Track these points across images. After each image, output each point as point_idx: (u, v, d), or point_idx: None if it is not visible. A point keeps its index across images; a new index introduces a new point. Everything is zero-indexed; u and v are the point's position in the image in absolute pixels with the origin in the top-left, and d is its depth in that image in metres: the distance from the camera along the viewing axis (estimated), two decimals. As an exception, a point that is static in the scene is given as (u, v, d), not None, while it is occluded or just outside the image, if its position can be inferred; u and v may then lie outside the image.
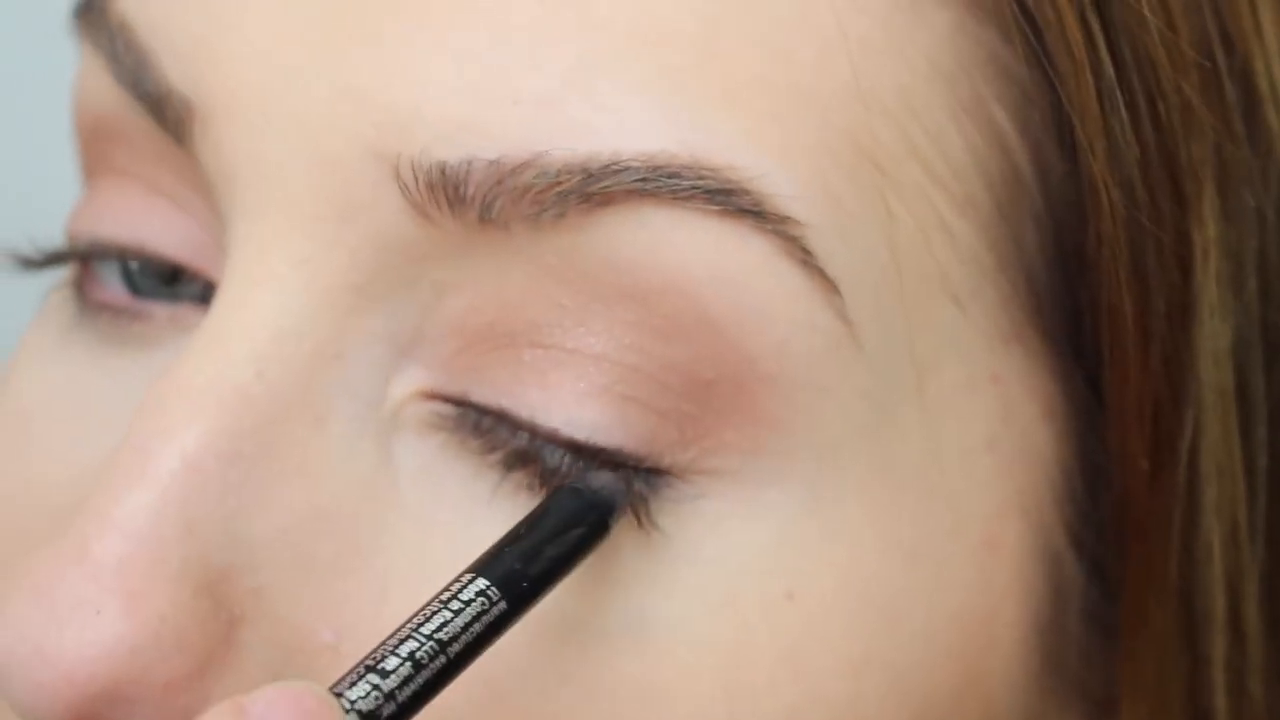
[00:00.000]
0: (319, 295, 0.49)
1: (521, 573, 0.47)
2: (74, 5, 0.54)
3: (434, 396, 0.50)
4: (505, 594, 0.47)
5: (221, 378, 0.48)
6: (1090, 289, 0.52)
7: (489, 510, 0.49)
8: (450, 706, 0.48)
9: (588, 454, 0.49)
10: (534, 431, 0.49)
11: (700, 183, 0.48)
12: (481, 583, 0.47)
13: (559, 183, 0.48)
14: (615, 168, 0.47)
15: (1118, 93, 0.50)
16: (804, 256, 0.48)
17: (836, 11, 0.49)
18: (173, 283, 0.53)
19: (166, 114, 0.51)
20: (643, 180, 0.47)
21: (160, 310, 0.53)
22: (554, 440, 0.49)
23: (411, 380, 0.50)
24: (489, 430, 0.49)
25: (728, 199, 0.48)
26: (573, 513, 0.48)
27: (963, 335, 0.51)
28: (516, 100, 0.48)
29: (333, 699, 0.44)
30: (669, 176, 0.47)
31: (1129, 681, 0.54)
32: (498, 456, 0.49)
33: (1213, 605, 0.53)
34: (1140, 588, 0.53)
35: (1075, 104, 0.50)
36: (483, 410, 0.49)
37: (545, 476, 0.49)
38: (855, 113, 0.49)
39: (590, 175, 0.48)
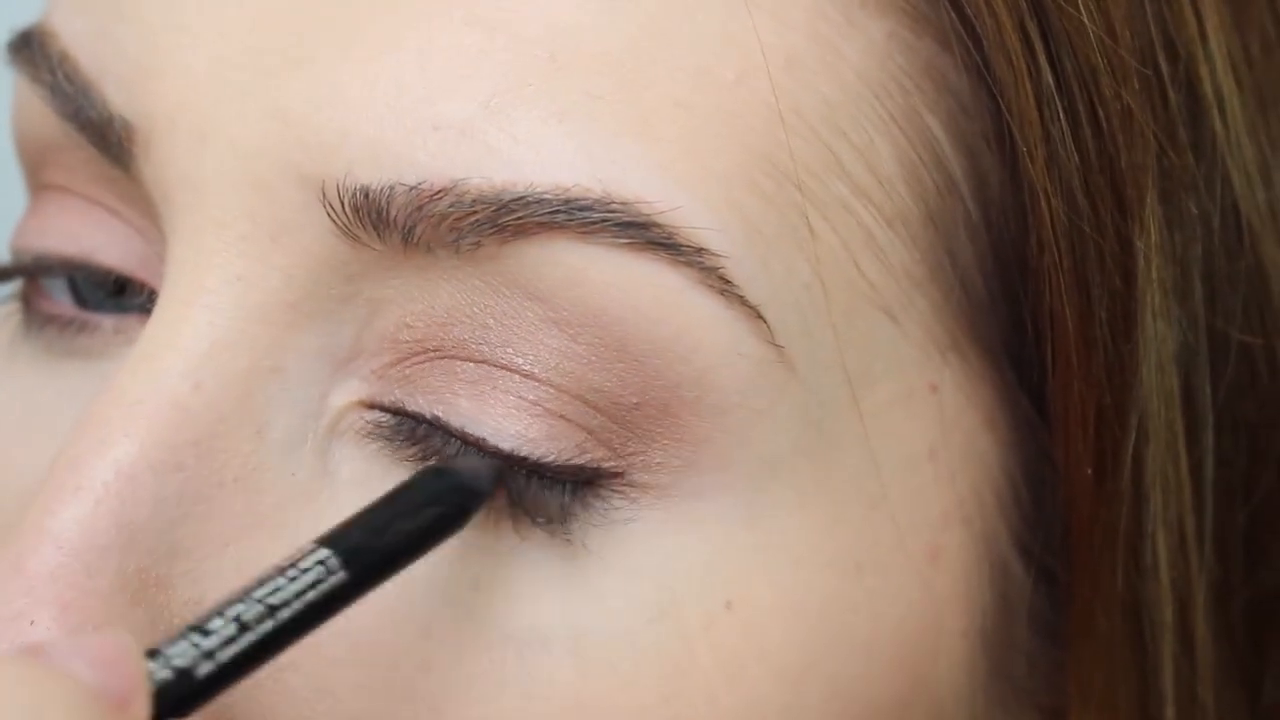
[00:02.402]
0: (252, 311, 0.49)
1: (366, 545, 0.47)
2: (7, 41, 0.54)
3: (371, 406, 0.50)
4: (346, 564, 0.46)
5: (156, 391, 0.49)
6: (1031, 297, 0.52)
7: None
8: (387, 713, 0.48)
9: (515, 464, 0.49)
10: (464, 440, 0.49)
11: (610, 216, 0.48)
12: (322, 552, 0.47)
13: (474, 212, 0.48)
14: (529, 199, 0.48)
15: (1057, 100, 0.50)
16: (723, 286, 0.48)
17: (759, 29, 0.49)
18: (119, 294, 0.54)
19: (109, 138, 0.51)
20: (554, 213, 0.48)
21: (107, 321, 0.54)
22: (482, 449, 0.49)
23: (349, 391, 0.50)
24: (424, 438, 0.50)
25: (640, 232, 0.48)
26: (433, 492, 0.48)
27: (897, 347, 0.51)
28: (437, 126, 0.48)
29: (134, 650, 0.43)
30: (581, 210, 0.48)
31: (1077, 690, 0.54)
32: (433, 464, 0.49)
33: (1161, 614, 0.53)
34: (1087, 596, 0.53)
35: (1014, 112, 0.50)
36: (418, 419, 0.50)
37: None
38: (775, 133, 0.49)
39: (503, 206, 0.48)
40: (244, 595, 0.45)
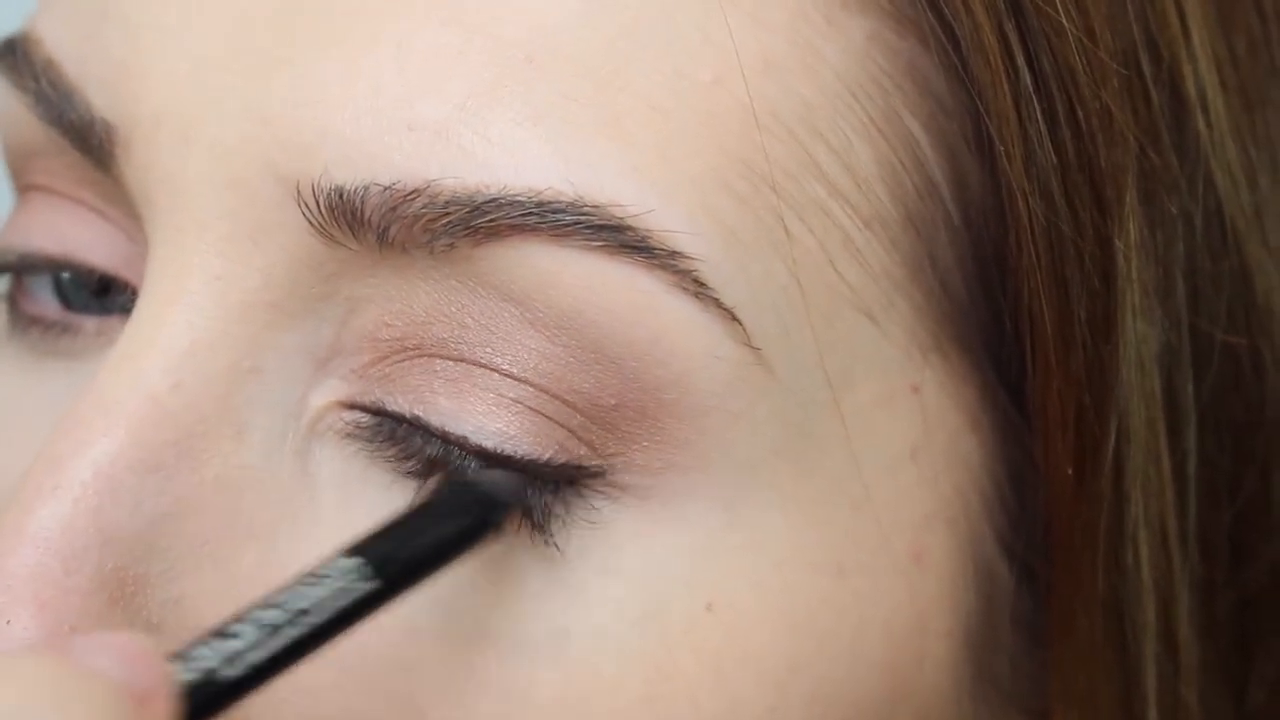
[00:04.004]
0: (232, 311, 0.49)
1: (393, 554, 0.47)
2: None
3: (351, 406, 0.50)
4: (376, 572, 0.47)
5: (135, 390, 0.49)
6: (1010, 296, 0.52)
7: None
8: (367, 713, 0.48)
9: (498, 462, 0.49)
10: (445, 439, 0.49)
11: (583, 219, 0.48)
12: (351, 560, 0.47)
13: (447, 213, 0.48)
14: (501, 201, 0.48)
15: (1035, 101, 0.50)
16: (698, 289, 0.48)
17: (737, 31, 0.49)
18: (103, 294, 0.54)
19: (90, 141, 0.52)
20: (526, 215, 0.48)
21: (90, 323, 0.54)
22: (464, 448, 0.49)
23: (330, 391, 0.50)
24: (404, 438, 0.50)
25: (613, 235, 0.48)
26: (459, 503, 0.48)
27: (879, 349, 0.51)
28: (412, 126, 0.48)
29: (158, 650, 0.44)
30: (553, 212, 0.48)
31: (1059, 691, 0.54)
32: (412, 464, 0.50)
33: (1143, 614, 0.53)
34: (1067, 596, 0.53)
35: (993, 112, 0.50)
36: (397, 419, 0.50)
37: None
38: (750, 135, 0.49)
39: (476, 208, 0.48)
40: (273, 600, 0.46)
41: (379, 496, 0.50)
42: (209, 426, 0.49)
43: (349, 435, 0.50)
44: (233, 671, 0.44)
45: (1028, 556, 0.54)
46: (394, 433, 0.50)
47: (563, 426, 0.49)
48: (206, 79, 0.50)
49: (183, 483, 0.49)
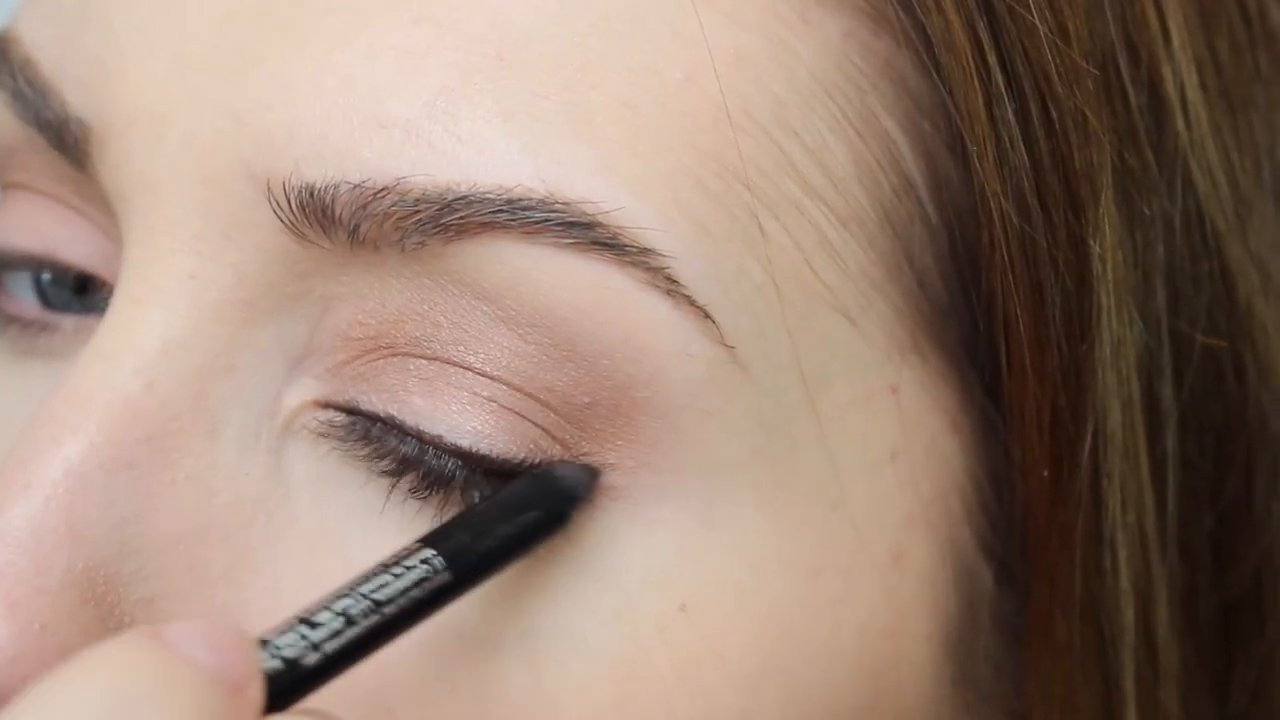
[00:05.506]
0: (206, 310, 0.50)
1: (468, 546, 0.48)
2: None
3: (325, 405, 0.50)
4: (450, 564, 0.47)
5: (108, 388, 0.49)
6: (985, 297, 0.51)
7: (380, 519, 0.50)
8: (339, 715, 0.48)
9: (473, 461, 0.49)
10: (420, 438, 0.49)
11: (553, 215, 0.48)
12: (427, 551, 0.47)
13: (417, 211, 0.48)
14: (471, 199, 0.48)
15: (1007, 101, 0.50)
16: (670, 286, 0.48)
17: (710, 28, 0.49)
18: (82, 293, 0.54)
19: (65, 139, 0.52)
20: (496, 212, 0.48)
21: (69, 321, 0.54)
22: (439, 447, 0.49)
23: (304, 390, 0.50)
24: (378, 438, 0.50)
25: (584, 232, 0.48)
26: (531, 496, 0.49)
27: (856, 349, 0.51)
28: (383, 124, 0.48)
29: (250, 639, 0.44)
30: (524, 209, 0.48)
31: (1038, 694, 0.54)
32: (387, 463, 0.50)
33: (1121, 617, 0.53)
34: (1045, 599, 0.53)
35: (964, 112, 0.50)
36: (372, 418, 0.50)
37: (431, 482, 0.49)
38: (723, 132, 0.49)
39: (446, 205, 0.48)
40: (350, 589, 0.46)
41: (352, 496, 0.50)
42: (182, 425, 0.49)
43: (322, 434, 0.50)
44: (313, 659, 0.45)
45: (1008, 558, 0.54)
46: (368, 432, 0.50)
47: (537, 425, 0.49)
48: (181, 78, 0.50)
49: (155, 481, 0.49)
